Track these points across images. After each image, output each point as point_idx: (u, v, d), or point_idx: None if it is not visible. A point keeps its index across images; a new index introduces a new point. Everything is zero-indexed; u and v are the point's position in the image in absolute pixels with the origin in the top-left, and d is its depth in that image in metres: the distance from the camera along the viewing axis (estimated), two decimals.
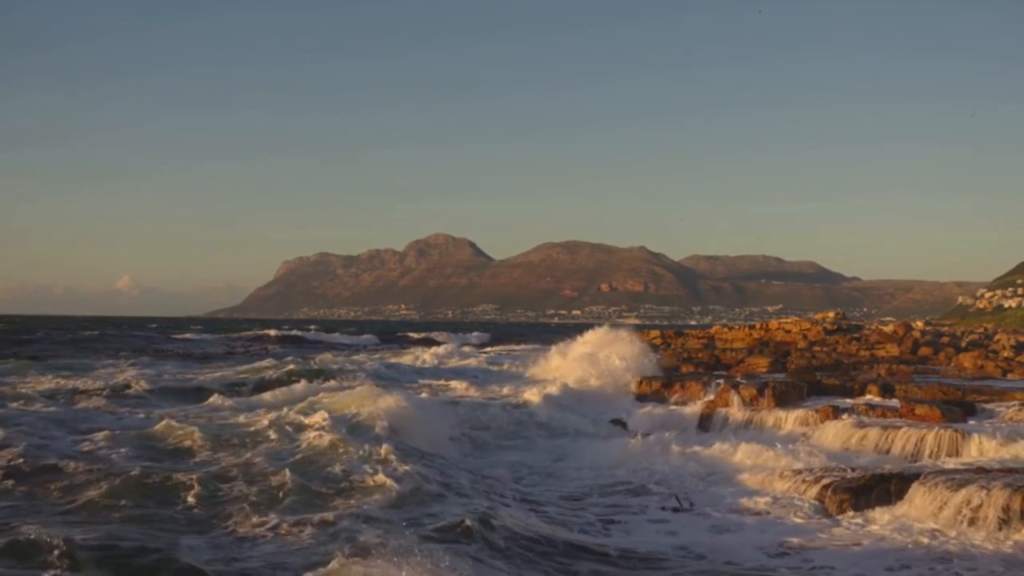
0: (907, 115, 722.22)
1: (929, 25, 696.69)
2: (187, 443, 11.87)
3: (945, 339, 32.10)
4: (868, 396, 16.89)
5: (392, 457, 10.64)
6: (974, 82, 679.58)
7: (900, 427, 13.04)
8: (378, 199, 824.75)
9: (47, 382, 20.58)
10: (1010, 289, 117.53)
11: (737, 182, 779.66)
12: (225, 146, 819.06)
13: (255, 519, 8.17)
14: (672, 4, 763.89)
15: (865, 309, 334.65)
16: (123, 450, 11.21)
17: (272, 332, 65.07)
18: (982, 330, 44.37)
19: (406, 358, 34.93)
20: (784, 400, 16.68)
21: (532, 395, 19.11)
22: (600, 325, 30.29)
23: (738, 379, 19.52)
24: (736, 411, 16.43)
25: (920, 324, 44.77)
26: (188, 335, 61.09)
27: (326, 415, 13.52)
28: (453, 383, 23.14)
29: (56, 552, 6.35)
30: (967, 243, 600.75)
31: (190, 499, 8.80)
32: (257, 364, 27.33)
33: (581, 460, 13.56)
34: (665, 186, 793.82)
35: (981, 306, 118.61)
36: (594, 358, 24.00)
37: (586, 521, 9.55)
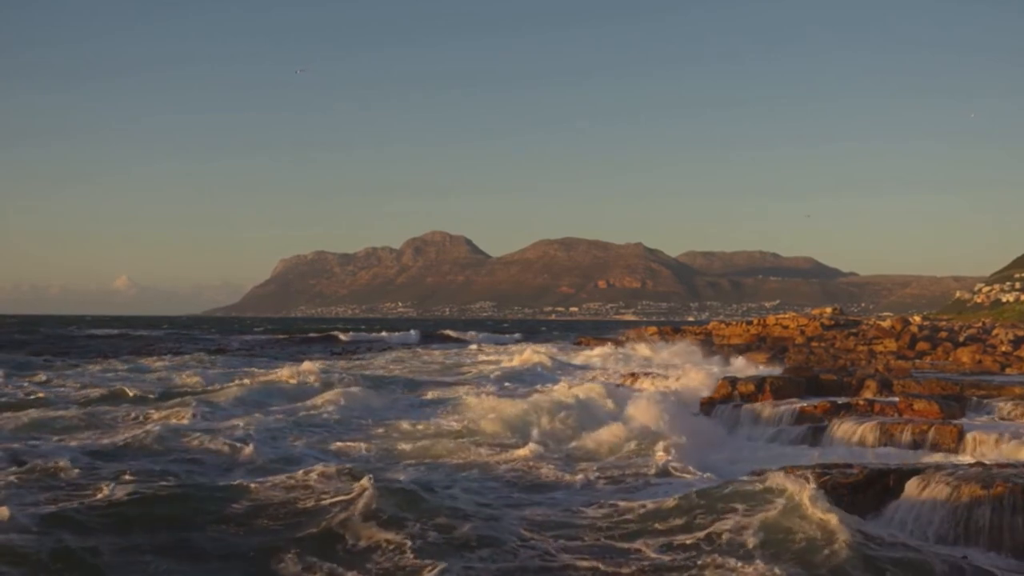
0: (904, 111, 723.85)
1: (927, 20, 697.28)
2: None
3: (943, 334, 32.07)
4: (866, 392, 16.82)
5: None
6: (971, 78, 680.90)
7: (898, 423, 12.99)
8: (375, 197, 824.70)
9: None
10: (1007, 283, 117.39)
11: (733, 179, 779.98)
12: (222, 144, 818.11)
13: None
14: (670, 1, 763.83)
15: (863, 304, 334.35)
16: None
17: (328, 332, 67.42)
18: (980, 325, 44.40)
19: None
20: (782, 396, 16.60)
21: None
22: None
23: (736, 375, 19.43)
24: (733, 407, 16.36)
25: (918, 319, 44.74)
26: (257, 335, 63.09)
27: None
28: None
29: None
30: (964, 238, 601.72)
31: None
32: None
33: None
34: (662, 183, 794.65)
35: (979, 300, 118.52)
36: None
37: None
